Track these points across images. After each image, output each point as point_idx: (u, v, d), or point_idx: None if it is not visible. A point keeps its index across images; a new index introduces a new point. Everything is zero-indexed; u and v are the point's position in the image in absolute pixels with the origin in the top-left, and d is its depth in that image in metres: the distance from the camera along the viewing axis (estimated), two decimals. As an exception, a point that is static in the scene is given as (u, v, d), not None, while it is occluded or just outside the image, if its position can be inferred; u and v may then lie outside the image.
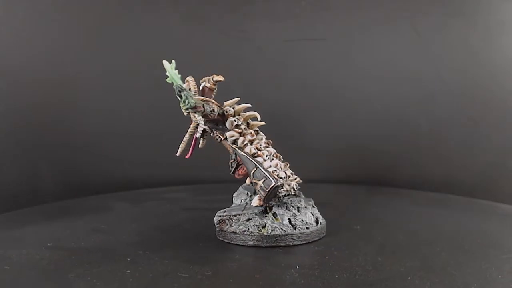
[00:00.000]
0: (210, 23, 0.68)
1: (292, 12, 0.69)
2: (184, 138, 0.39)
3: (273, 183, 0.36)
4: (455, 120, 0.69)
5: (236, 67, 0.69)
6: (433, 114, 0.70)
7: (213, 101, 0.38)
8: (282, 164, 0.39)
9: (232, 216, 0.38)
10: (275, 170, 0.37)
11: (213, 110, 0.36)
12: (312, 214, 0.39)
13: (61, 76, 0.64)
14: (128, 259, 0.35)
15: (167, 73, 0.36)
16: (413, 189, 0.65)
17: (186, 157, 0.39)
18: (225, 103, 0.38)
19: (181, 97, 0.35)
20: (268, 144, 0.39)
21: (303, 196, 0.41)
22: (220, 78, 0.37)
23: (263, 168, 0.36)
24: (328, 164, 0.71)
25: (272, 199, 0.37)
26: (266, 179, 0.36)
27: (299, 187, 0.41)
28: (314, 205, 0.41)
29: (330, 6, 0.69)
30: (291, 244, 0.37)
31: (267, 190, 0.36)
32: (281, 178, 0.37)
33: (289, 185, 0.38)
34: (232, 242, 0.38)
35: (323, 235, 0.39)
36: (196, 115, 0.37)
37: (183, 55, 0.68)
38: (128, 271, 0.32)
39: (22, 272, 0.33)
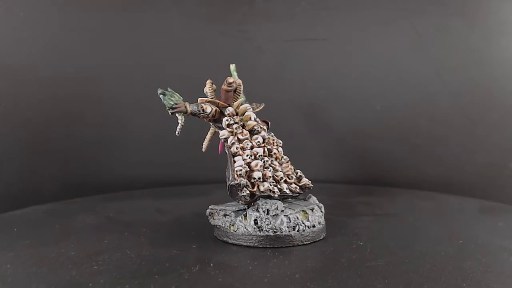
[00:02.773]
0: (210, 23, 0.68)
1: (292, 12, 0.69)
2: (207, 136, 0.42)
3: (229, 182, 0.37)
4: (455, 120, 0.69)
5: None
6: (433, 114, 0.70)
7: (217, 101, 0.39)
8: (281, 166, 0.40)
9: (218, 210, 0.39)
10: (241, 170, 0.37)
11: (203, 111, 0.38)
12: (289, 219, 0.37)
13: (61, 76, 0.64)
14: (126, 233, 0.41)
15: (233, 76, 0.42)
16: (413, 189, 0.65)
17: (219, 152, 0.41)
18: (234, 103, 0.40)
19: (161, 99, 0.38)
20: (266, 145, 0.39)
21: (312, 200, 0.41)
22: (230, 79, 0.39)
23: (232, 167, 0.37)
24: (327, 164, 0.71)
25: (236, 197, 0.37)
26: (229, 177, 0.37)
27: (299, 190, 0.40)
28: (308, 211, 0.38)
29: (330, 6, 0.69)
30: (251, 245, 0.36)
31: (226, 188, 0.37)
32: (254, 178, 0.37)
33: (263, 186, 0.37)
34: (214, 235, 0.39)
35: (299, 242, 0.37)
36: (177, 115, 0.38)
37: (183, 55, 0.69)
38: (106, 241, 0.38)
39: (47, 230, 0.43)
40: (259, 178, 0.37)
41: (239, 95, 0.40)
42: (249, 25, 0.69)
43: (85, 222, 0.46)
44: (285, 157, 0.41)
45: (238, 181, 0.36)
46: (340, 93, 0.71)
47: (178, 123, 0.39)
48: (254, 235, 0.36)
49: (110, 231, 0.42)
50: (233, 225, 0.38)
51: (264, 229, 0.36)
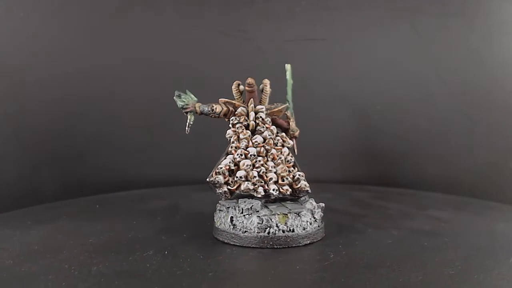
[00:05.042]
0: (210, 23, 0.68)
1: (292, 12, 0.69)
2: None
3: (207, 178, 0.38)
4: (455, 120, 0.69)
5: (236, 67, 0.69)
6: (433, 114, 0.70)
7: (233, 102, 0.41)
8: (276, 168, 0.39)
9: (221, 205, 0.41)
10: (221, 168, 0.38)
11: (212, 110, 0.40)
12: (261, 221, 0.37)
13: (61, 77, 0.64)
14: (159, 218, 0.46)
15: (287, 76, 0.45)
16: (412, 189, 0.65)
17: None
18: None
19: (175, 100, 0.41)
20: (265, 145, 0.40)
21: (307, 205, 0.40)
22: (249, 80, 0.40)
23: (217, 164, 0.39)
24: (327, 164, 0.71)
25: (216, 194, 0.39)
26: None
27: (291, 193, 0.39)
28: (290, 215, 0.38)
29: (330, 6, 0.69)
30: (225, 241, 0.38)
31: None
32: (237, 177, 0.38)
33: (243, 185, 0.38)
34: None
35: (267, 245, 0.37)
36: (188, 115, 0.41)
37: (183, 55, 0.69)
38: (134, 223, 0.44)
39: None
40: (240, 177, 0.38)
41: (266, 95, 0.42)
42: (249, 25, 0.69)
43: (150, 206, 0.52)
44: (288, 158, 0.40)
45: (213, 178, 0.38)
46: (340, 93, 0.71)
47: (187, 122, 0.41)
48: (228, 232, 0.38)
49: (153, 215, 0.47)
50: (218, 220, 0.39)
51: (237, 227, 0.38)
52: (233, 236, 0.38)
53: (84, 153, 0.66)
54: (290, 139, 0.44)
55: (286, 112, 0.44)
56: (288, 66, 0.45)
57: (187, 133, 0.41)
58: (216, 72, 0.67)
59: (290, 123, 0.44)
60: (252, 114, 0.40)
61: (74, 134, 0.65)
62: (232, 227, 0.38)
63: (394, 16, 0.69)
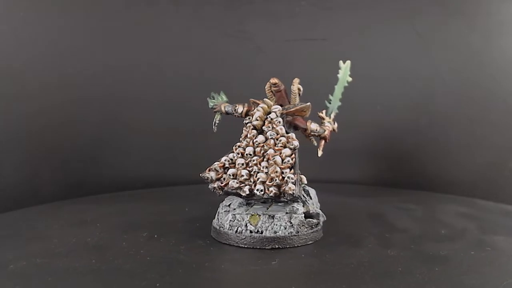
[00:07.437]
0: (210, 23, 0.68)
1: (292, 12, 0.69)
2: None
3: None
4: (455, 120, 0.69)
5: (236, 67, 0.69)
6: (433, 114, 0.70)
7: (258, 102, 0.41)
8: (268, 168, 0.38)
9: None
10: (214, 165, 0.40)
11: (235, 110, 0.42)
12: (234, 218, 0.38)
13: (62, 78, 0.64)
14: (210, 208, 0.45)
15: (344, 73, 0.47)
16: (412, 189, 0.65)
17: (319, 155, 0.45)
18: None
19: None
20: (265, 145, 0.39)
21: (289, 208, 0.39)
22: (273, 80, 0.42)
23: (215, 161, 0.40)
24: (326, 164, 0.71)
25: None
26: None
27: (276, 195, 0.38)
28: (262, 216, 0.38)
29: (330, 6, 0.69)
30: (212, 235, 0.40)
31: None
32: (227, 175, 0.39)
33: (227, 184, 0.39)
34: None
35: (234, 243, 0.38)
36: (216, 114, 0.43)
37: (183, 55, 0.69)
38: (187, 209, 0.49)
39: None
40: (229, 175, 0.39)
41: (294, 94, 0.42)
42: (249, 25, 0.69)
43: (221, 197, 0.53)
44: (286, 159, 0.39)
45: (204, 174, 0.39)
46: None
47: (213, 120, 0.43)
48: (213, 226, 0.41)
49: (209, 205, 0.48)
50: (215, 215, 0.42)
51: (218, 222, 0.40)
52: (213, 230, 0.40)
53: (84, 153, 0.66)
54: (320, 139, 0.45)
55: (320, 113, 0.46)
56: (343, 64, 0.45)
57: (214, 131, 0.43)
58: (216, 72, 0.67)
59: (307, 124, 0.44)
60: (256, 114, 0.40)
61: (74, 134, 0.65)
62: (216, 221, 0.40)
63: (394, 16, 0.69)
